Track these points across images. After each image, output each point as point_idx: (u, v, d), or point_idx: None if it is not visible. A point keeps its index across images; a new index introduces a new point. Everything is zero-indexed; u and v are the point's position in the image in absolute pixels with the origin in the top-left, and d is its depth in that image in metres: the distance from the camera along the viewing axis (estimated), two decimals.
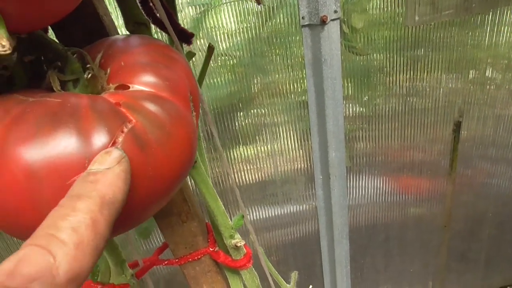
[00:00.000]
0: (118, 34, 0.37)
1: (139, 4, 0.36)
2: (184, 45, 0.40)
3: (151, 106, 0.24)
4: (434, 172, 1.29)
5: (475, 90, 1.18)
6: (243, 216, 0.47)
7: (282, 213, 1.23)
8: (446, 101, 1.17)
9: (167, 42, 0.38)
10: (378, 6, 0.99)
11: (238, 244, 0.47)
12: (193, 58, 0.44)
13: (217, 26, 0.93)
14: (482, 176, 1.36)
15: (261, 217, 1.22)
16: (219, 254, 0.50)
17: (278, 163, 1.14)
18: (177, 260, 0.50)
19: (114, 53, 0.28)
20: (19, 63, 0.24)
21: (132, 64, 0.27)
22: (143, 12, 0.36)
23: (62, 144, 0.20)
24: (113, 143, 0.21)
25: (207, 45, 0.43)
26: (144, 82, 0.26)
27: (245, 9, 0.93)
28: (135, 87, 0.26)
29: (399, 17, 1.00)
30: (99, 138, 0.21)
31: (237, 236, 0.48)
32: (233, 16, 0.93)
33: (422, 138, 1.21)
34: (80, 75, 0.26)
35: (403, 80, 1.10)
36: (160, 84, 0.26)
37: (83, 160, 0.20)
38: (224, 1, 0.92)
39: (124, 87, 0.26)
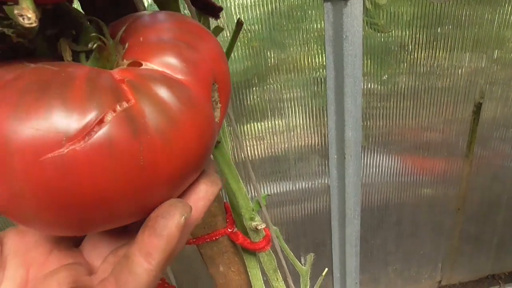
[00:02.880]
0: (144, 6, 0.35)
1: None
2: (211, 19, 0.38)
3: (158, 88, 0.22)
4: (451, 153, 1.28)
5: (499, 71, 1.15)
6: (266, 197, 0.45)
7: (294, 189, 1.23)
8: (468, 81, 1.14)
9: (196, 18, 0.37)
10: None
11: (259, 227, 0.46)
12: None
13: None
14: (500, 159, 1.34)
15: (272, 193, 1.21)
16: (238, 235, 0.49)
17: (292, 139, 1.13)
18: (194, 239, 0.49)
19: (136, 28, 0.25)
20: (41, 35, 0.22)
21: (150, 40, 0.24)
22: None
23: (41, 116, 0.18)
24: (100, 121, 0.19)
25: (224, 18, 0.41)
26: (159, 61, 0.23)
27: None
28: (148, 65, 0.23)
29: None
30: (84, 114, 0.18)
31: (258, 218, 0.47)
32: None
33: (441, 119, 1.19)
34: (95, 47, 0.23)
35: (424, 58, 1.08)
36: (177, 65, 0.23)
37: (61, 135, 0.18)
38: None
39: (138, 64, 0.23)
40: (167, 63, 0.23)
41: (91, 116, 0.18)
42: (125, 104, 0.20)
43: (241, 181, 0.45)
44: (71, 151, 0.18)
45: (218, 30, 0.39)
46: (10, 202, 0.19)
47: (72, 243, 0.29)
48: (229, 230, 0.49)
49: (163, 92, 0.21)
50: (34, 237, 0.27)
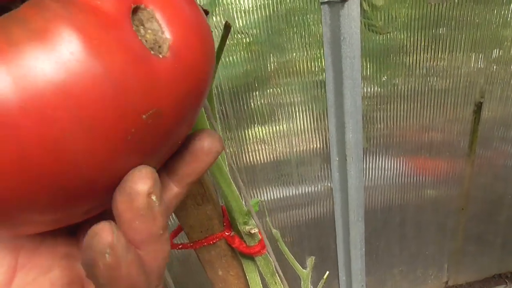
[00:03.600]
0: None
1: None
2: None
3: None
4: (453, 153, 1.27)
5: (498, 70, 1.15)
6: (258, 202, 0.45)
7: (297, 194, 1.23)
8: (468, 81, 1.14)
9: None
10: None
11: (252, 231, 0.46)
12: None
13: (233, 3, 0.91)
14: (502, 158, 1.33)
15: (275, 197, 1.21)
16: (235, 239, 0.49)
17: (293, 143, 1.13)
18: (192, 244, 0.49)
19: None
20: None
21: None
22: None
23: None
24: None
25: (223, 23, 0.40)
26: None
27: None
28: None
29: None
30: None
31: (252, 222, 0.47)
32: None
33: (442, 119, 1.19)
34: None
35: (423, 59, 1.08)
36: None
37: None
38: None
39: None
40: None
41: None
42: None
43: (233, 183, 0.45)
44: None
45: (227, 28, 0.39)
46: None
47: (67, 230, 0.25)
48: (226, 233, 0.49)
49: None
50: None
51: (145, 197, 0.19)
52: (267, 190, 1.19)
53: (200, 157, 0.23)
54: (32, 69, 0.15)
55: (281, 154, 1.14)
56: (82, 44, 0.16)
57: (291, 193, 1.22)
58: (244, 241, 0.49)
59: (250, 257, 0.52)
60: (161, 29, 0.19)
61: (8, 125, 0.14)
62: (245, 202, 0.47)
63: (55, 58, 0.15)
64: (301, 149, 1.15)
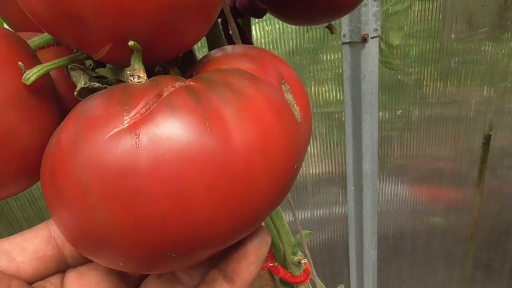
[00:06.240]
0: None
1: (223, 34, 0.38)
2: None
3: (219, 72, 0.21)
4: (463, 183, 1.31)
5: (506, 101, 1.20)
6: (308, 234, 0.49)
7: (312, 220, 1.26)
8: (477, 112, 1.19)
9: None
10: (415, 23, 1.01)
11: (302, 261, 0.49)
12: None
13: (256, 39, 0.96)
14: (510, 187, 1.36)
15: (289, 220, 1.23)
16: (279, 269, 0.52)
17: (310, 171, 1.17)
18: None
19: (198, 63, 0.25)
20: None
21: (212, 58, 0.24)
22: (225, 41, 0.38)
23: (104, 101, 0.19)
24: (158, 95, 0.18)
25: None
26: (220, 63, 0.23)
27: (283, 24, 0.96)
28: (212, 70, 0.22)
29: (435, 33, 1.02)
30: (143, 92, 0.19)
31: (300, 253, 0.50)
32: (270, 28, 0.97)
33: (452, 149, 1.23)
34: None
35: (435, 91, 1.13)
36: (238, 59, 0.22)
37: (121, 113, 0.18)
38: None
39: None
40: (228, 61, 0.23)
41: (149, 92, 0.19)
42: (181, 83, 0.20)
43: (284, 217, 0.48)
44: (131, 124, 0.17)
45: None
46: (80, 217, 0.18)
47: None
48: (270, 264, 0.52)
49: (224, 73, 0.21)
50: (93, 280, 0.24)
51: (268, 247, 0.24)
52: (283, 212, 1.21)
53: None
54: (245, 125, 0.19)
55: (296, 182, 1.17)
56: (271, 107, 0.20)
57: (305, 219, 1.25)
58: (289, 271, 0.52)
59: (290, 286, 0.55)
60: (294, 100, 0.24)
61: (222, 169, 0.18)
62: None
63: (258, 116, 0.19)
64: (317, 177, 1.18)
